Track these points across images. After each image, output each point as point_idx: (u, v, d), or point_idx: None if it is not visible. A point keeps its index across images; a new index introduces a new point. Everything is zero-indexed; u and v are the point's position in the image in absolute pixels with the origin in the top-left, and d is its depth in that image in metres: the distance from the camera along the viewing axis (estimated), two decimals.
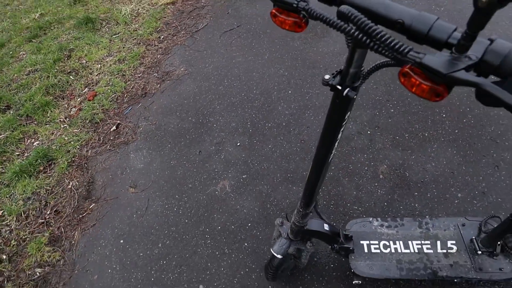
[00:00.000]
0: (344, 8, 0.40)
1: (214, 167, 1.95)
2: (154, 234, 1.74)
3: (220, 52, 2.76)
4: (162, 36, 3.16)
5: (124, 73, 2.82)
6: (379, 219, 1.32)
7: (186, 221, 1.76)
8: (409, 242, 1.25)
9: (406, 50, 0.37)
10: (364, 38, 0.39)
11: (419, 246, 1.23)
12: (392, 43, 0.37)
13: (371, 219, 1.32)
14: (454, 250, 1.21)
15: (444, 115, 1.86)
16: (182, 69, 2.71)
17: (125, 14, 3.53)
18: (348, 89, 0.56)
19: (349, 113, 0.67)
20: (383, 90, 2.08)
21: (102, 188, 2.04)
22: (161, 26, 3.28)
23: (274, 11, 0.49)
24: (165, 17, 3.42)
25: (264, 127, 2.08)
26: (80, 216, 1.92)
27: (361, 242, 1.26)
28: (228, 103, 2.31)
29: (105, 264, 1.69)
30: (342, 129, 0.73)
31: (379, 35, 0.38)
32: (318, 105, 2.11)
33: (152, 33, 3.21)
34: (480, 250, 1.17)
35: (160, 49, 3.02)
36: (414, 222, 1.30)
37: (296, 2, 0.45)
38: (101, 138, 2.37)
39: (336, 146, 0.77)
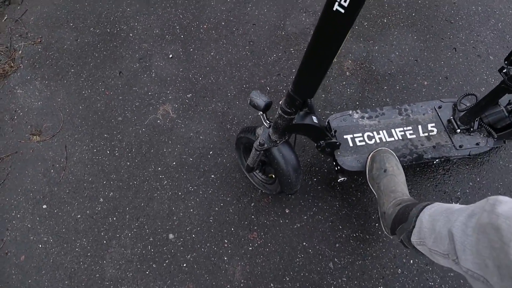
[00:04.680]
0: None
1: (146, 90, 1.47)
2: (88, 188, 1.31)
3: None
4: None
5: None
6: (359, 111, 1.17)
7: (128, 163, 1.34)
8: (392, 130, 1.15)
9: None
10: None
11: (402, 133, 1.15)
12: None
13: (351, 111, 1.17)
14: (435, 132, 1.16)
15: None
16: None
17: None
18: None
19: None
20: None
21: None
22: None
23: None
24: None
25: (199, 30, 1.59)
26: None
27: (345, 136, 1.12)
28: (140, 2, 1.67)
29: (30, 240, 1.24)
30: None
31: None
32: None
33: None
34: (459, 129, 1.14)
35: None
36: (394, 110, 1.19)
37: None
38: None
39: None
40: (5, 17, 1.73)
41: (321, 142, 1.01)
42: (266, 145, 0.91)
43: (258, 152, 0.95)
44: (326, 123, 1.15)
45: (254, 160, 1.01)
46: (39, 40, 1.63)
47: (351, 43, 1.54)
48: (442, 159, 1.14)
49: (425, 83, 1.45)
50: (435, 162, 1.27)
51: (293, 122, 0.83)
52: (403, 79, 1.46)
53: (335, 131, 1.11)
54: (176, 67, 1.50)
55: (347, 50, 1.52)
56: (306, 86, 0.70)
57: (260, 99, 0.83)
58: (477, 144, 1.14)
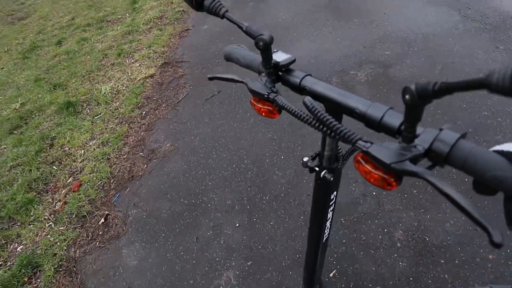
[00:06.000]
0: (307, 99, 0.42)
1: (214, 256, 1.70)
2: None
3: (204, 122, 2.61)
4: (144, 112, 3.01)
5: (108, 157, 2.61)
6: None
7: None
8: None
9: (354, 139, 0.37)
10: (321, 127, 0.40)
11: None
12: (342, 133, 0.37)
13: None
14: None
15: None
16: (167, 145, 2.53)
17: (105, 93, 3.41)
18: (325, 171, 0.56)
19: (335, 192, 0.63)
20: None
21: None
22: (142, 101, 3.15)
23: (252, 100, 0.52)
24: (145, 92, 3.31)
25: (262, 201, 1.87)
26: None
27: None
28: (220, 177, 2.10)
29: None
30: (331, 209, 0.67)
31: (331, 125, 0.38)
32: None
33: (134, 110, 3.06)
34: None
35: (143, 126, 2.85)
36: None
37: (266, 93, 0.48)
38: (90, 234, 2.09)
39: (329, 226, 0.70)
40: (128, 189, 2.34)
41: None
42: None
43: None
44: None
45: None
46: (145, 209, 2.12)
47: (401, 211, 1.59)
48: None
49: (490, 257, 1.34)
50: None
51: None
52: (463, 252, 1.38)
53: None
54: (241, 236, 1.73)
55: (397, 220, 1.56)
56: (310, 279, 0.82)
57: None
58: None
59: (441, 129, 0.34)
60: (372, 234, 1.54)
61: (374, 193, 1.70)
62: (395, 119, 0.38)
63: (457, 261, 1.36)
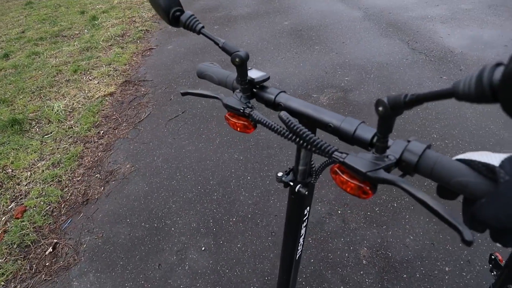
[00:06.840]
0: (283, 114, 0.43)
1: (179, 283, 1.62)
2: None
3: (167, 142, 2.56)
4: (102, 131, 2.88)
5: (60, 179, 2.44)
6: None
7: None
8: None
9: (330, 151, 0.39)
10: (298, 140, 0.42)
11: None
12: (319, 145, 0.39)
13: None
14: None
15: None
16: (127, 165, 2.43)
17: (58, 111, 3.22)
18: (299, 185, 0.58)
19: (308, 208, 0.65)
20: None
21: None
22: (99, 120, 3.02)
23: (227, 115, 0.53)
24: (103, 110, 3.19)
25: (228, 223, 1.85)
26: None
27: None
28: (184, 199, 2.05)
29: None
30: (304, 225, 0.69)
31: (308, 138, 0.40)
32: (281, 189, 1.96)
33: (90, 129, 2.92)
34: None
35: (100, 146, 2.72)
36: None
37: (242, 108, 0.50)
38: (34, 266, 1.89)
39: (302, 242, 0.71)
40: (81, 215, 2.18)
41: None
42: None
43: None
44: None
45: None
46: (101, 235, 1.98)
47: (365, 229, 1.66)
48: None
49: (447, 269, 1.44)
50: None
51: None
52: (422, 266, 1.47)
53: None
54: (207, 260, 1.68)
55: (361, 237, 1.63)
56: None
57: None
58: None
59: (408, 141, 0.37)
60: (338, 252, 1.58)
61: (339, 212, 1.76)
62: (367, 132, 0.40)
63: (418, 275, 1.44)
